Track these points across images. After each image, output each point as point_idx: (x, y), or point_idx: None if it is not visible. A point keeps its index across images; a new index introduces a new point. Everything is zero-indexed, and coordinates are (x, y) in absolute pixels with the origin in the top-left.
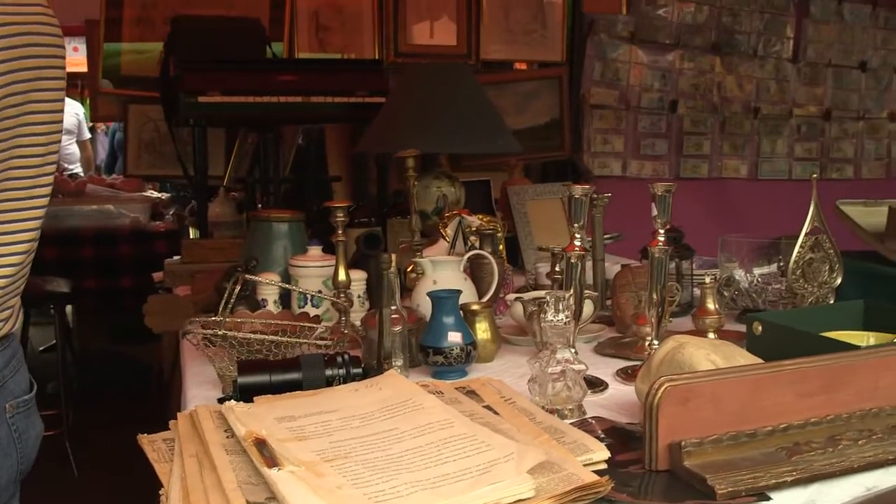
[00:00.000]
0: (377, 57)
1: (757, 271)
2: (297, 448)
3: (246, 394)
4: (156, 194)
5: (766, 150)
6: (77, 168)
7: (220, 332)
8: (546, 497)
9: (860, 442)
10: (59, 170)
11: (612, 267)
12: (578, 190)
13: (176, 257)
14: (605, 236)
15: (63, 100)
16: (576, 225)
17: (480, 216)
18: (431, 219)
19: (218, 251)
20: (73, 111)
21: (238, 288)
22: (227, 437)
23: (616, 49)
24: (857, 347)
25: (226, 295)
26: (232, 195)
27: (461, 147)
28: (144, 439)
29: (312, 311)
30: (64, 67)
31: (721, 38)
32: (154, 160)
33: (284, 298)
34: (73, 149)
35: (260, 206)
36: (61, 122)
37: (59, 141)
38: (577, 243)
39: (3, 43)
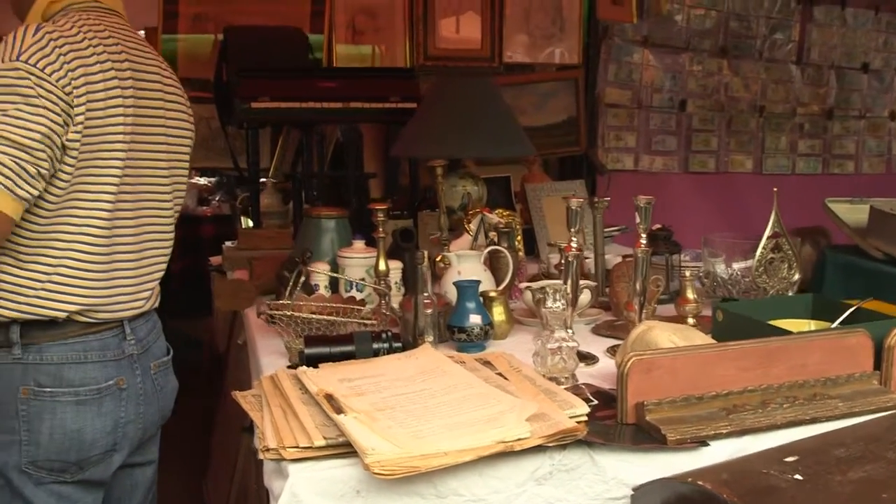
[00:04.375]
0: (408, 59)
1: (737, 265)
2: (356, 401)
3: (311, 362)
4: (202, 181)
5: (771, 147)
6: None
7: (287, 314)
8: (537, 437)
9: (785, 406)
10: None
11: (614, 258)
12: (575, 203)
13: (230, 242)
14: (612, 228)
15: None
16: (572, 230)
17: (500, 211)
18: (457, 214)
19: (269, 239)
20: None
21: (302, 279)
22: (302, 393)
23: (629, 52)
24: (790, 333)
25: (290, 284)
26: (278, 187)
27: (483, 152)
28: (239, 395)
29: (357, 295)
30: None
31: (729, 42)
32: (206, 154)
33: (333, 284)
34: None
35: (305, 199)
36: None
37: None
38: (574, 245)
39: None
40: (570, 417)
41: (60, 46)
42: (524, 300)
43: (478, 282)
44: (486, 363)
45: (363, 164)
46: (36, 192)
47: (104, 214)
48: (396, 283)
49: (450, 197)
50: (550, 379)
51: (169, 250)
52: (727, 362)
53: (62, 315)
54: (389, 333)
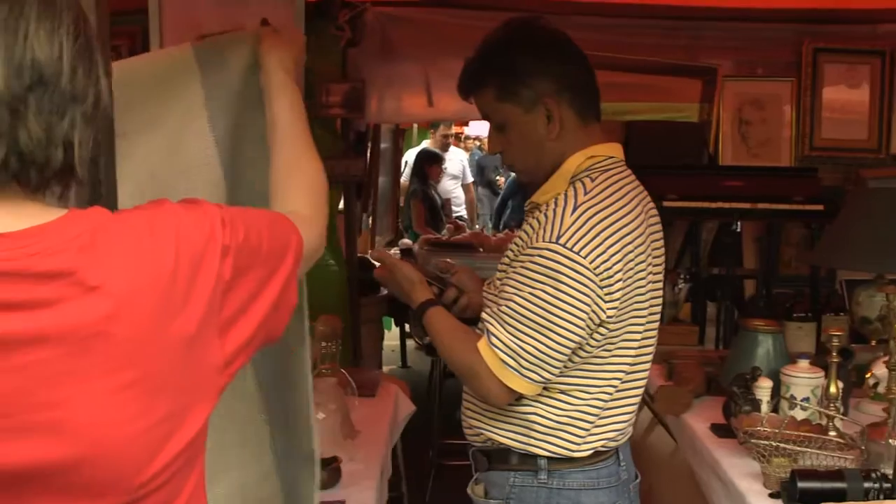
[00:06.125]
0: (792, 149)
1: None
2: None
3: (803, 495)
4: None
5: None
6: (462, 210)
7: (772, 443)
8: None
9: None
10: (448, 212)
11: None
12: None
13: None
14: None
15: None
16: None
17: None
18: (873, 324)
19: (677, 335)
20: (459, 158)
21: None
22: None
23: None
24: None
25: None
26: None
27: None
28: None
29: (801, 414)
30: None
31: None
32: None
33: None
34: (459, 192)
35: (697, 293)
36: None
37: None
38: None
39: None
40: None
41: (597, 224)
42: None
43: None
44: None
45: (742, 257)
46: (554, 374)
47: (629, 360)
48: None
49: (867, 307)
50: None
51: None
52: None
53: (586, 454)
54: (879, 473)
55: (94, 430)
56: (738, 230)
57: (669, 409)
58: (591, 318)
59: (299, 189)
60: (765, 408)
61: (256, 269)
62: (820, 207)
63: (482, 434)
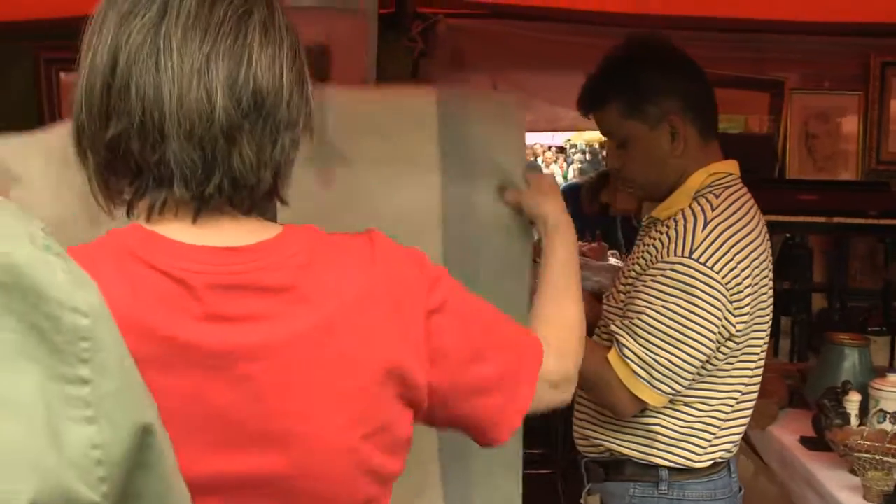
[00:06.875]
0: (859, 162)
1: None
2: None
3: None
4: (619, 263)
5: None
6: None
7: (876, 457)
8: None
9: None
10: None
11: None
12: None
13: None
14: None
15: None
16: None
17: None
18: None
19: None
20: None
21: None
22: None
23: None
24: None
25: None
26: None
27: None
28: None
29: (891, 428)
30: None
31: None
32: None
33: (862, 413)
34: None
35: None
36: None
37: None
38: None
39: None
40: None
41: (728, 239)
42: None
43: None
44: None
45: (812, 271)
46: (684, 386)
47: (750, 373)
48: None
49: None
50: None
51: None
52: None
53: (706, 465)
54: None
55: (311, 440)
56: (807, 243)
57: (755, 422)
58: (720, 332)
59: (550, 322)
60: (853, 421)
61: (474, 327)
62: (895, 222)
63: (600, 445)
